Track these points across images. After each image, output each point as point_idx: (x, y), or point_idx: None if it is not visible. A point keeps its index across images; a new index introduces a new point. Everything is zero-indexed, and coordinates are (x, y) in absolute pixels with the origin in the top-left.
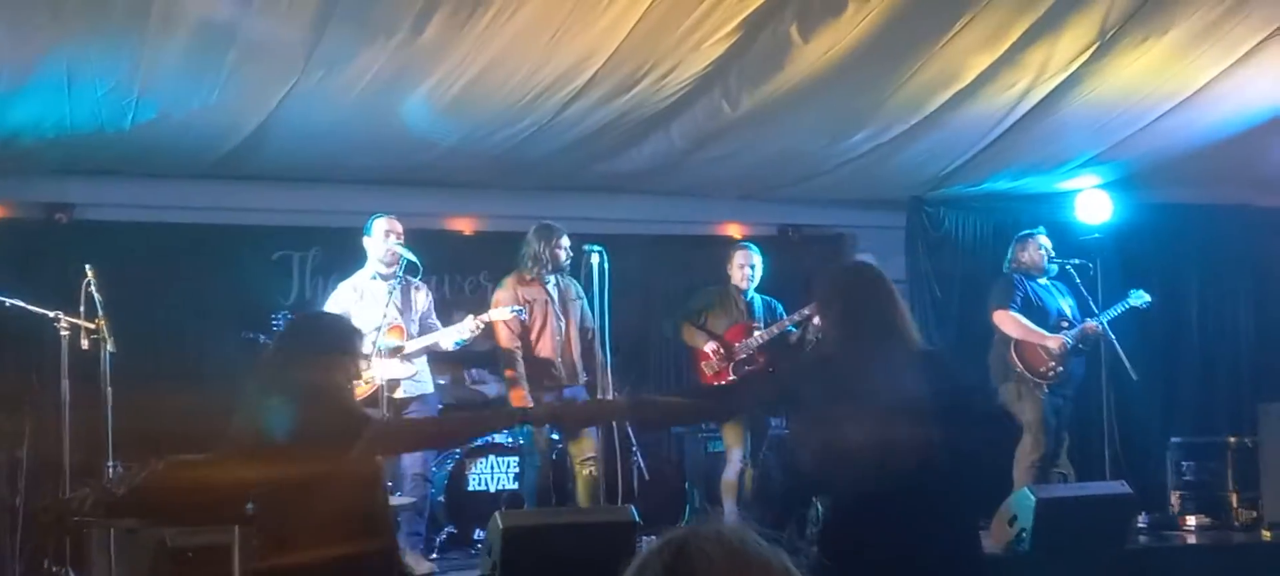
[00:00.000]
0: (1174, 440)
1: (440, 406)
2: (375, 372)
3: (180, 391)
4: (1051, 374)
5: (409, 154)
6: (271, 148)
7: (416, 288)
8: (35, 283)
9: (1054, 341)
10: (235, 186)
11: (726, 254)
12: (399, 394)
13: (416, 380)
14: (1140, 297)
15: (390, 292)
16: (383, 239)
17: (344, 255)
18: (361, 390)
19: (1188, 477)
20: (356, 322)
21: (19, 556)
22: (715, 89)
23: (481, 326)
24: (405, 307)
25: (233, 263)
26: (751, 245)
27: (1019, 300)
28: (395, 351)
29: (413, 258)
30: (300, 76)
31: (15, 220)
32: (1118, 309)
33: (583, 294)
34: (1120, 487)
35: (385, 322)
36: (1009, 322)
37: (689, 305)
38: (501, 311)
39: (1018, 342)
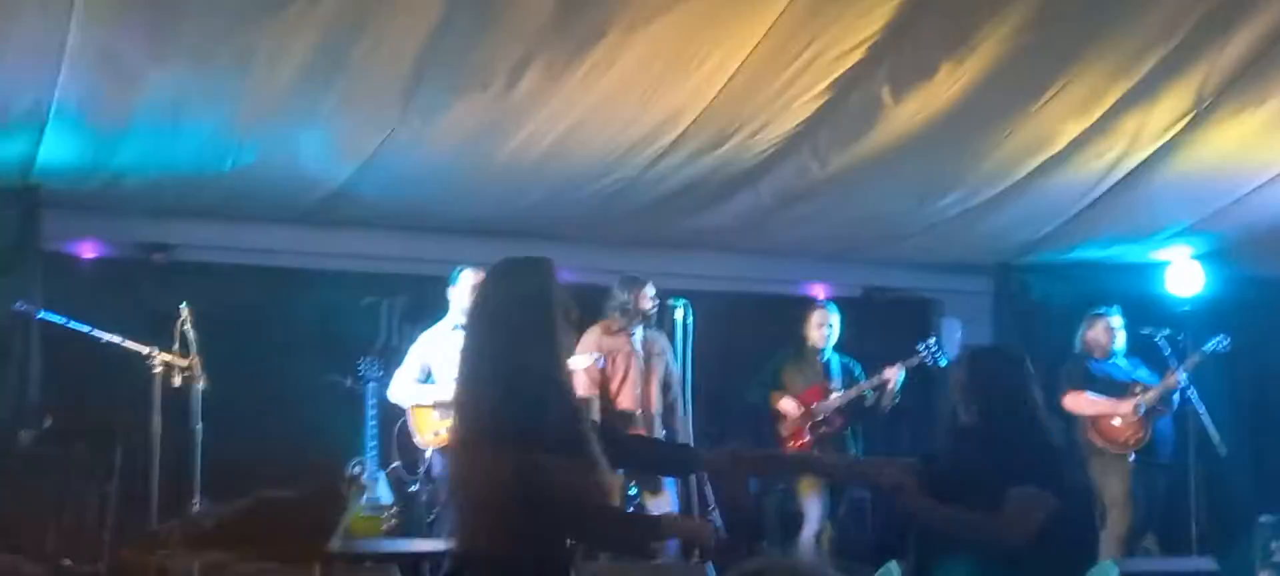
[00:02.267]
0: (1263, 518)
1: None
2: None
3: (268, 431)
4: (1131, 442)
5: (499, 204)
6: (365, 195)
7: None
8: (130, 320)
9: (1125, 405)
10: (328, 232)
11: (804, 313)
12: None
13: None
14: (1218, 342)
15: None
16: (469, 289)
17: (431, 303)
18: (444, 438)
19: (1276, 559)
20: (437, 373)
21: None
22: (804, 148)
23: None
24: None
25: (323, 306)
26: (830, 305)
27: (1083, 379)
28: None
29: None
30: (397, 125)
31: (113, 259)
32: (1197, 358)
33: (669, 348)
34: (1207, 564)
35: None
36: (1077, 402)
37: (767, 368)
38: (581, 359)
39: (1092, 419)
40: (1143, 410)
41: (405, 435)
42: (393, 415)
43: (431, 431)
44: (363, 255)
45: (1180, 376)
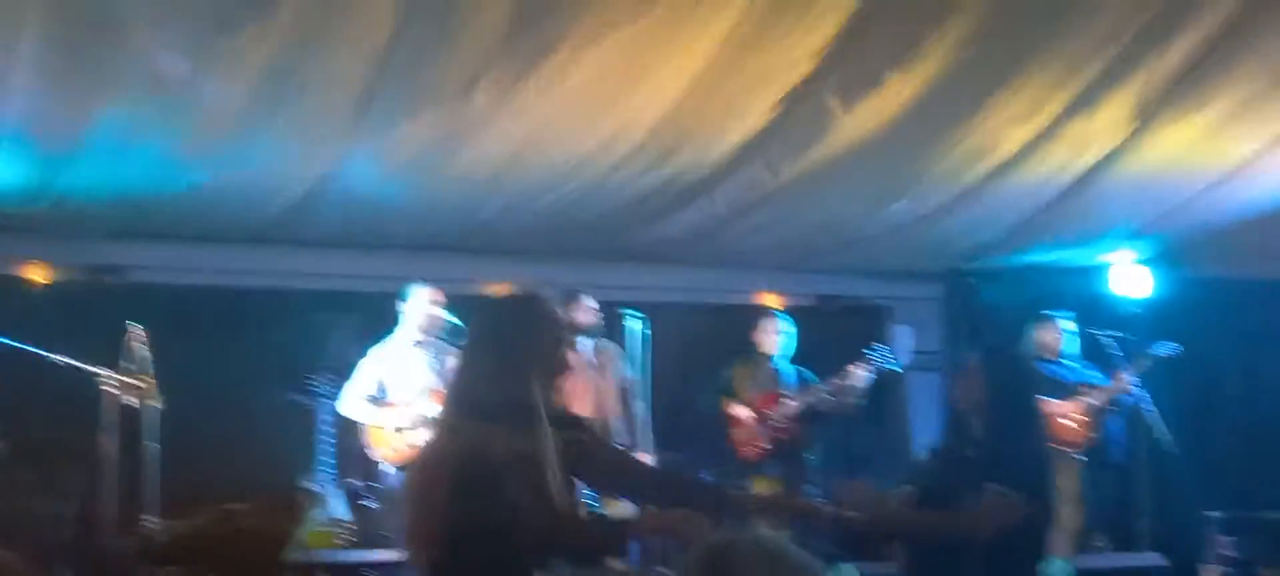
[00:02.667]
0: (1212, 514)
1: None
2: (414, 438)
3: (222, 449)
4: (1079, 441)
5: (453, 219)
6: (318, 213)
7: (453, 354)
8: (82, 342)
9: (1072, 406)
10: (281, 250)
11: (757, 322)
12: None
13: None
14: (1168, 347)
15: (429, 358)
16: (424, 306)
17: (384, 321)
18: (400, 454)
19: (1226, 553)
20: (391, 388)
21: None
22: (757, 158)
23: None
24: (444, 373)
25: (276, 326)
26: (781, 314)
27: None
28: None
29: (458, 321)
30: (350, 143)
31: (64, 282)
32: (1146, 361)
33: (622, 356)
34: (1156, 560)
35: (426, 387)
36: None
37: (720, 376)
38: None
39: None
40: (1091, 412)
41: (362, 450)
42: (348, 432)
43: (388, 446)
44: (316, 273)
45: (1129, 379)
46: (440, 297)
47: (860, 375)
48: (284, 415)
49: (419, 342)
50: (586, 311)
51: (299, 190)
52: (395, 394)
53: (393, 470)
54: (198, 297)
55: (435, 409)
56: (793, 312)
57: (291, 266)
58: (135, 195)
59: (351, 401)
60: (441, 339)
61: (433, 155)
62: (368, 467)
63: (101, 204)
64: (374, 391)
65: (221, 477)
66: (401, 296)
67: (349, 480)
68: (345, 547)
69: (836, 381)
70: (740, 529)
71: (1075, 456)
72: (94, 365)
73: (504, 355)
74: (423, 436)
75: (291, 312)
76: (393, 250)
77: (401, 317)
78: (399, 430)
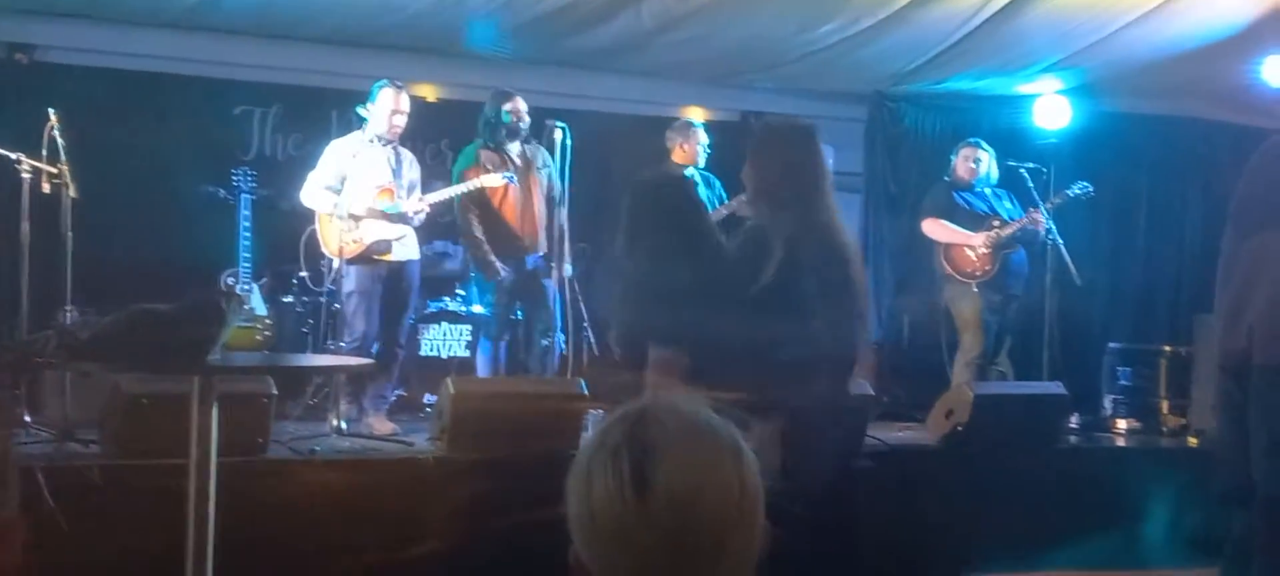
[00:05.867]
0: (1111, 345)
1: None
2: (364, 233)
3: (139, 240)
4: (979, 273)
5: (376, 15)
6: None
7: (409, 155)
8: None
9: (979, 238)
10: (200, 37)
11: (676, 135)
12: (388, 257)
13: (404, 243)
14: (1082, 188)
15: (387, 158)
16: (388, 112)
17: (305, 114)
18: (352, 248)
19: (1123, 382)
20: (351, 184)
21: None
22: None
23: (475, 188)
24: (398, 170)
25: (195, 114)
26: (699, 125)
27: (945, 207)
28: (393, 214)
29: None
30: None
31: None
32: (1060, 199)
33: (550, 162)
34: (1055, 388)
35: (380, 186)
36: (934, 228)
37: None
38: (493, 178)
39: (946, 247)
40: (999, 242)
41: (313, 245)
42: (266, 227)
43: (338, 242)
44: (236, 63)
45: (1041, 215)
46: (405, 107)
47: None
48: (204, 208)
49: (377, 139)
50: (520, 112)
51: None
52: (353, 189)
53: (347, 266)
54: (114, 82)
55: (387, 205)
56: (716, 127)
57: (210, 55)
58: None
59: (312, 190)
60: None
61: None
62: (318, 263)
63: None
64: (335, 183)
65: (139, 270)
66: (369, 97)
67: (267, 277)
68: (263, 346)
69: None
70: (659, 396)
71: (975, 286)
72: (8, 150)
73: None
74: (374, 231)
75: (211, 103)
76: (314, 44)
77: (366, 116)
78: (355, 220)
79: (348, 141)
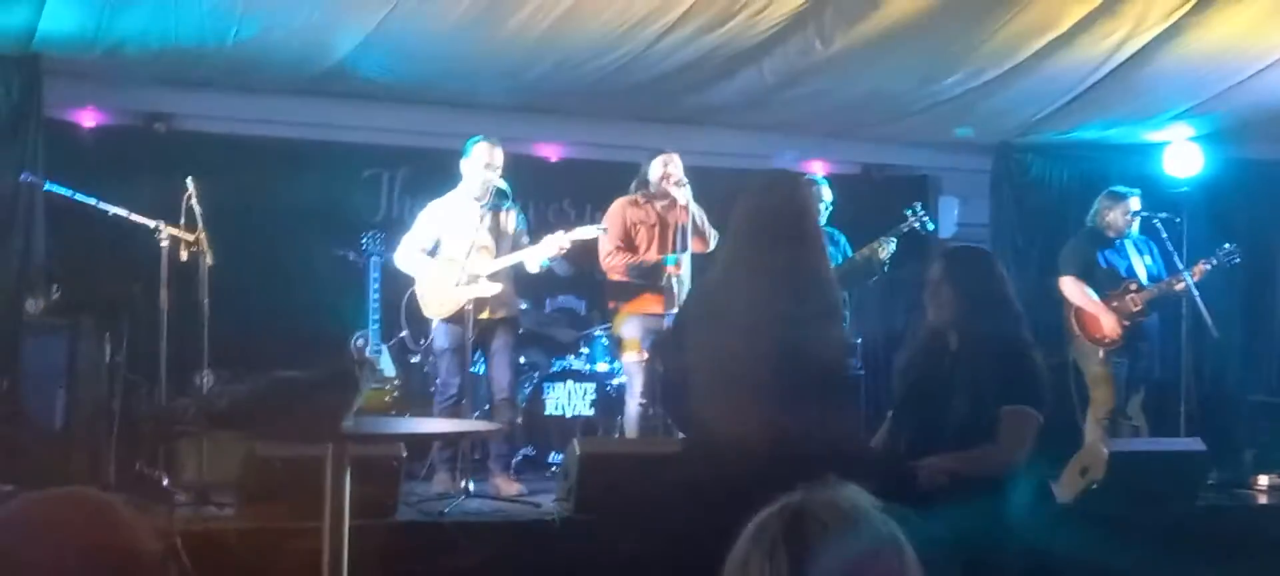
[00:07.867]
0: (1252, 399)
1: (521, 330)
2: (460, 294)
3: (272, 304)
4: (1108, 341)
5: (502, 78)
6: (367, 67)
7: (506, 211)
8: (134, 191)
9: (1111, 318)
10: (330, 103)
11: None
12: (485, 315)
13: (502, 300)
14: (1228, 253)
15: (481, 215)
16: (482, 166)
17: (432, 176)
18: (447, 308)
19: (1264, 438)
20: (446, 243)
21: (113, 457)
22: (809, 26)
23: (567, 246)
24: (495, 229)
25: (325, 179)
26: (820, 180)
27: (1085, 265)
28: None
29: (505, 187)
30: None
31: (115, 127)
32: (1206, 266)
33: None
34: (1194, 444)
35: (476, 245)
36: (1071, 290)
37: None
38: (589, 229)
39: (1078, 309)
40: (1128, 315)
41: (413, 306)
42: (397, 289)
43: (438, 302)
44: (364, 127)
45: (1185, 281)
46: (498, 161)
47: (898, 236)
48: (334, 271)
49: (477, 199)
50: (671, 176)
51: (350, 43)
52: (449, 249)
53: (443, 326)
54: (247, 149)
55: (486, 266)
56: (837, 180)
57: (340, 120)
58: (186, 44)
59: (406, 253)
60: (493, 198)
61: (483, 12)
62: (421, 324)
63: (153, 52)
64: (430, 246)
65: (273, 335)
66: (464, 153)
67: (401, 335)
68: (393, 407)
69: (867, 249)
70: (817, 487)
71: (1106, 345)
72: (147, 217)
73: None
74: (474, 292)
75: (341, 167)
76: (441, 106)
77: (461, 174)
78: (457, 285)
79: (443, 202)
